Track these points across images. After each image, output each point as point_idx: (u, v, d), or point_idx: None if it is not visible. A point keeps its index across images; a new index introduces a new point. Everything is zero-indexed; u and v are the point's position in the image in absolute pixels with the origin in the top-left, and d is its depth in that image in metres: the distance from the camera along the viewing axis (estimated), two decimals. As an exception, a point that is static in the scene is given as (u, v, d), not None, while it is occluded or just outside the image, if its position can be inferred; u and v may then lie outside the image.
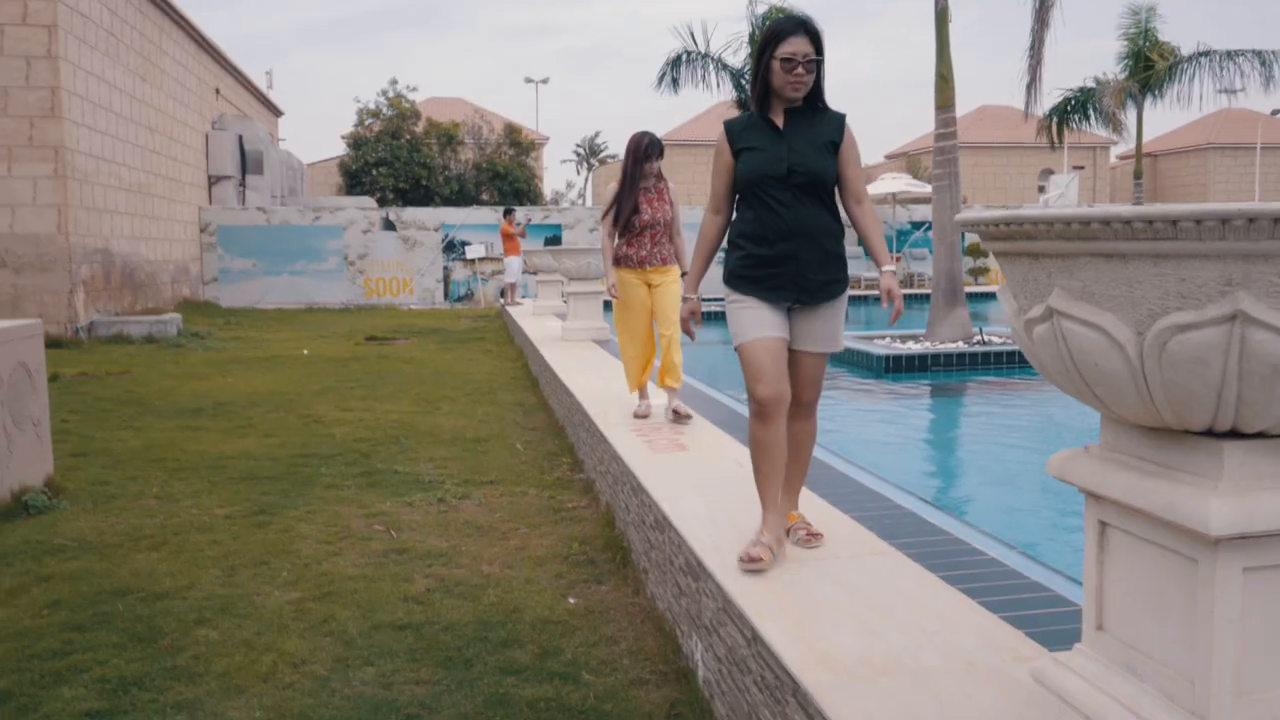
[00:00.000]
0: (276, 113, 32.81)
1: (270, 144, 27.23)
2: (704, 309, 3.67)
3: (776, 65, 3.18)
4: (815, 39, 3.18)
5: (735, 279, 3.31)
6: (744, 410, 6.33)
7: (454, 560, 4.42)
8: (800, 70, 3.16)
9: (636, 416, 5.91)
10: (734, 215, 3.40)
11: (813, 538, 3.37)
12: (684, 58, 19.83)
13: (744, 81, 20.18)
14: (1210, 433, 1.67)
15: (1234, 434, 1.66)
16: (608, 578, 4.17)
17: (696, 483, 4.24)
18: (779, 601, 2.81)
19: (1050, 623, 2.64)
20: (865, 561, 3.17)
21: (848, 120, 3.30)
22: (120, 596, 4.03)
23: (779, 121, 3.26)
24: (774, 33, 3.20)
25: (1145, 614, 1.77)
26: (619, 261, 5.96)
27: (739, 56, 20.11)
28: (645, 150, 5.75)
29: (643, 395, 6.07)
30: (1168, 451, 1.74)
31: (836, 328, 3.33)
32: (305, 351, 13.06)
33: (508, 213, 19.62)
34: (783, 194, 3.20)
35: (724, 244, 3.46)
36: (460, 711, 3.02)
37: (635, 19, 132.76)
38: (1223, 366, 1.54)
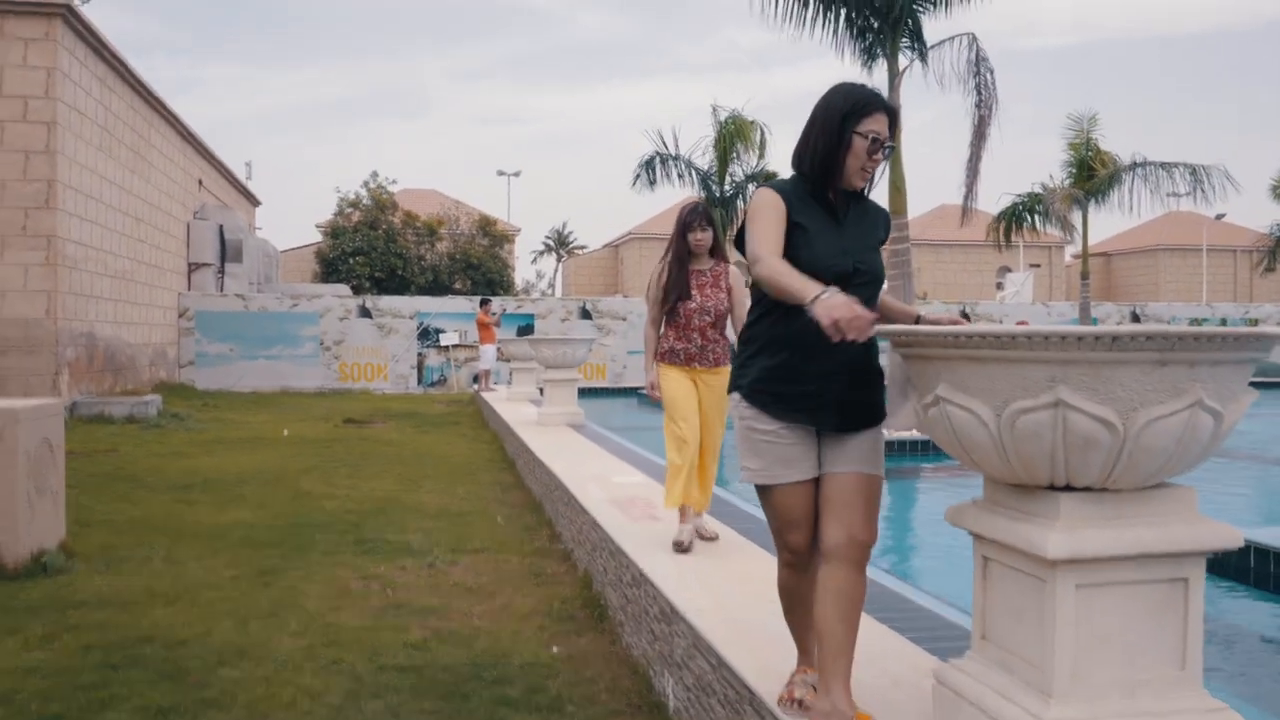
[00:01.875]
0: (255, 202, 33.65)
1: (248, 233, 27.94)
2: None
3: (860, 144, 2.64)
4: (893, 122, 2.70)
5: (756, 395, 2.71)
6: (723, 494, 6.41)
7: (446, 615, 4.91)
8: (879, 155, 2.67)
9: (677, 547, 4.73)
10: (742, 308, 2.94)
11: None
12: (657, 159, 20.90)
13: (711, 181, 21.25)
14: (1052, 487, 2.27)
15: (1068, 488, 2.26)
16: (586, 630, 4.68)
17: (669, 546, 4.78)
18: (742, 637, 3.34)
19: (961, 652, 3.20)
20: (812, 610, 3.72)
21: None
22: (145, 643, 4.47)
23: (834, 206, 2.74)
24: (858, 102, 2.65)
25: (1014, 623, 2.35)
26: (664, 356, 5.06)
27: (705, 158, 21.25)
28: (685, 219, 4.94)
29: (683, 516, 4.91)
30: (1025, 501, 2.33)
31: (879, 448, 2.76)
32: (285, 432, 13.49)
33: (484, 303, 20.35)
34: None
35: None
36: (464, 734, 3.52)
37: (603, 110, 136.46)
38: (1052, 438, 2.15)
